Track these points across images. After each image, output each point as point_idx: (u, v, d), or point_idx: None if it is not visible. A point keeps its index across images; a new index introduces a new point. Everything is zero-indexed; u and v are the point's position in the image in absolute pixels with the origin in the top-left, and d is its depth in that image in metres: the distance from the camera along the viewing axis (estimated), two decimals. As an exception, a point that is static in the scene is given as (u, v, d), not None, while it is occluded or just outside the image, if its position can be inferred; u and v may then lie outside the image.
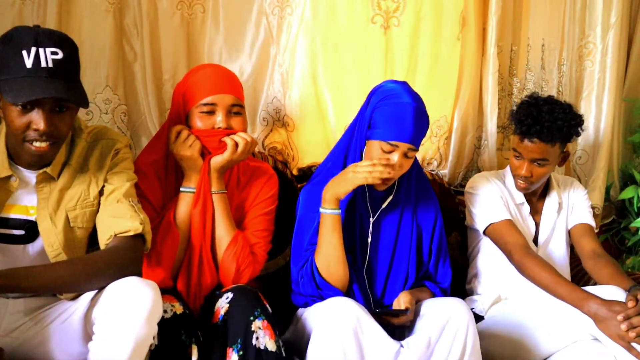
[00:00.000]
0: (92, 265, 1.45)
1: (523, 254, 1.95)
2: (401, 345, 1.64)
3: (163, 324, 1.46)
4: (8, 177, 1.54)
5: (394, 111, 1.78)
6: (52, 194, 1.57)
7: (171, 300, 1.60)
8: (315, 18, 2.29)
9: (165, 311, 1.53)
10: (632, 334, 1.69)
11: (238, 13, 2.29)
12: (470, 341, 1.64)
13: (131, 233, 1.53)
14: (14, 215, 1.55)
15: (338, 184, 1.78)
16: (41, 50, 1.41)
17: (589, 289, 1.83)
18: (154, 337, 1.41)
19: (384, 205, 1.91)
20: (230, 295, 1.63)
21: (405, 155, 1.80)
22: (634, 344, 1.70)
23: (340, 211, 1.79)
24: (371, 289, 1.90)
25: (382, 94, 1.83)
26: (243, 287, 1.70)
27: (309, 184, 1.96)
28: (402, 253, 1.93)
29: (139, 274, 1.50)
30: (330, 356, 1.57)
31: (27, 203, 1.56)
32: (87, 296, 1.53)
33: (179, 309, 1.59)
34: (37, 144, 1.46)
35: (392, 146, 1.78)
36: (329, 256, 1.78)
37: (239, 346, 1.55)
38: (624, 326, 1.69)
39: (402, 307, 1.77)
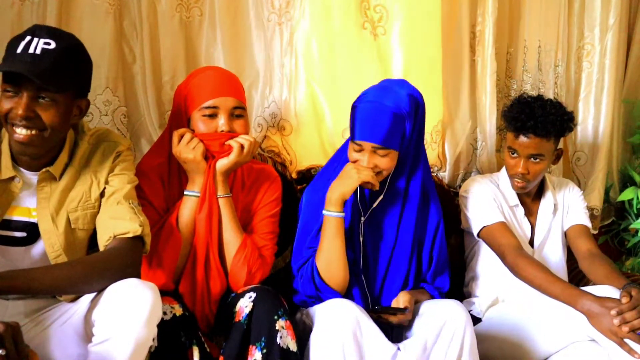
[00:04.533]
0: (91, 266, 1.46)
1: (516, 255, 1.95)
2: (398, 348, 1.65)
3: (163, 325, 1.46)
4: (12, 179, 1.54)
5: (361, 110, 1.81)
6: (53, 195, 1.57)
7: (171, 302, 1.60)
8: (312, 23, 2.29)
9: (164, 313, 1.53)
10: (625, 329, 1.69)
11: (235, 17, 2.28)
12: (467, 343, 1.65)
13: (130, 235, 1.53)
14: (16, 217, 1.56)
15: (342, 184, 1.79)
16: (35, 39, 1.45)
17: (585, 288, 1.83)
18: (153, 339, 1.41)
19: (374, 205, 1.90)
20: (253, 294, 1.64)
21: (375, 153, 1.81)
22: (626, 340, 1.71)
23: (344, 214, 1.80)
24: (369, 290, 1.90)
25: (366, 91, 1.86)
26: (264, 287, 1.71)
27: (313, 185, 1.96)
28: (401, 256, 1.93)
29: (137, 275, 1.51)
30: (330, 357, 1.58)
31: (29, 205, 1.57)
32: (87, 298, 1.53)
33: (178, 310, 1.59)
34: (18, 129, 1.47)
35: (358, 145, 1.80)
36: (331, 259, 1.79)
37: (263, 344, 1.57)
38: (616, 321, 1.70)
39: (401, 306, 1.77)
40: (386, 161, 1.83)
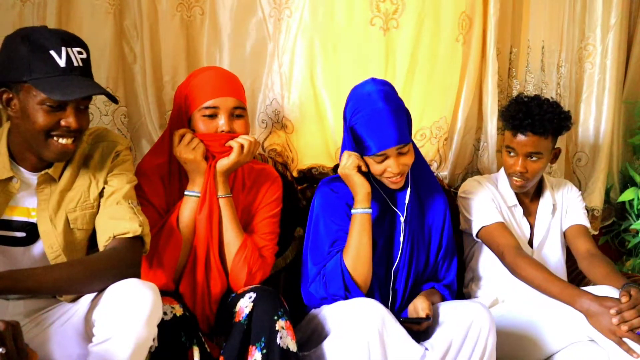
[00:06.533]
0: (91, 267, 1.46)
1: (515, 255, 1.96)
2: (426, 348, 1.66)
3: (163, 325, 1.46)
4: (9, 179, 1.54)
5: (369, 121, 1.78)
6: (52, 196, 1.57)
7: (171, 302, 1.60)
8: (314, 20, 2.28)
9: (165, 313, 1.53)
10: (624, 328, 1.69)
11: (237, 15, 2.28)
12: (490, 344, 1.68)
13: (130, 235, 1.54)
14: (16, 217, 1.56)
15: (353, 183, 1.83)
16: (69, 50, 1.46)
17: (584, 288, 1.83)
18: (153, 339, 1.41)
19: (406, 201, 1.90)
20: (253, 295, 1.64)
21: (400, 154, 1.81)
22: (625, 339, 1.71)
23: (371, 210, 1.83)
24: (394, 289, 1.92)
25: (353, 105, 1.84)
26: (264, 287, 1.71)
27: (327, 185, 1.95)
28: (420, 249, 1.94)
29: (137, 275, 1.51)
30: (355, 356, 1.58)
31: (28, 205, 1.57)
32: (87, 298, 1.53)
33: (179, 311, 1.59)
34: (63, 140, 1.49)
35: (382, 156, 1.80)
36: (359, 256, 1.80)
37: (263, 344, 1.57)
38: (615, 320, 1.70)
39: (422, 315, 1.77)
40: (409, 157, 1.85)
